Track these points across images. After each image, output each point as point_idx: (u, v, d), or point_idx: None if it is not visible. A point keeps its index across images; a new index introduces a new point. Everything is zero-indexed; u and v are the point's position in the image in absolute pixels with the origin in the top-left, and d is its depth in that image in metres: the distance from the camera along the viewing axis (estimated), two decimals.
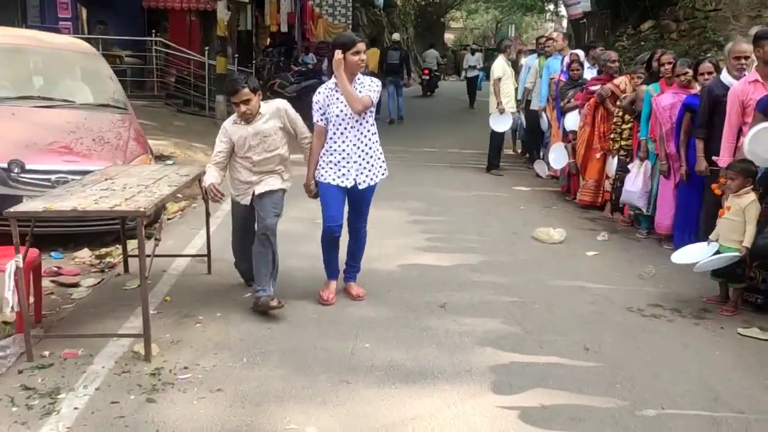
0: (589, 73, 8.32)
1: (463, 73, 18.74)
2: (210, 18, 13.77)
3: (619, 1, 15.97)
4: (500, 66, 9.58)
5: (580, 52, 8.76)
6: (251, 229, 4.41)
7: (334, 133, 4.26)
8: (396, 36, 19.54)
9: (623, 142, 6.88)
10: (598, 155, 7.21)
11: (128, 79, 11.91)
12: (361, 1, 28.16)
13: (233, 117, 4.37)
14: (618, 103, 6.91)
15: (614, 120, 6.94)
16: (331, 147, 4.28)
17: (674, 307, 4.57)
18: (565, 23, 43.87)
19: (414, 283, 4.95)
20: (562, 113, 8.18)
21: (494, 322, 4.25)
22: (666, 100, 5.90)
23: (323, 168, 4.31)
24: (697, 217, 5.61)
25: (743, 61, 5.23)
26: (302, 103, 14.19)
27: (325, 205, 4.37)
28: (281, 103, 4.44)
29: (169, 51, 13.26)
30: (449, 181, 8.93)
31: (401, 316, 4.31)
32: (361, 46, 4.17)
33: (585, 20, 15.97)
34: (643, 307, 4.56)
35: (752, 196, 4.24)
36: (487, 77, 22.49)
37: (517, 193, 8.36)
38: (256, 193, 4.31)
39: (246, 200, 4.37)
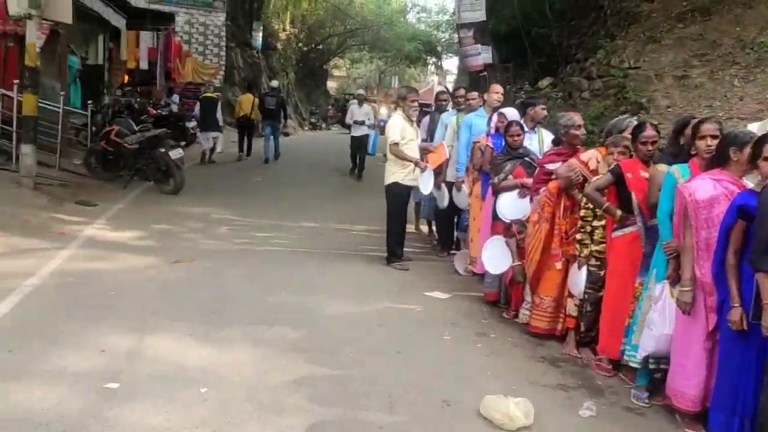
0: (528, 140, 6.16)
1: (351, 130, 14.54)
2: None
3: (526, 53, 14.43)
4: (397, 126, 6.96)
5: (512, 111, 6.57)
6: None
7: None
8: (274, 82, 19.38)
9: (594, 247, 4.68)
10: (558, 264, 4.92)
11: None
12: (236, 41, 25.65)
13: None
14: (587, 190, 4.71)
15: (582, 214, 4.74)
16: None
17: None
18: (450, 77, 43.40)
19: None
20: (494, 193, 5.92)
21: None
22: (705, 191, 3.69)
23: None
24: (753, 393, 3.41)
25: None
26: (145, 161, 11.36)
27: None
28: None
29: None
30: (337, 284, 6.29)
31: None
32: None
33: (486, 73, 14.23)
34: None
35: None
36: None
37: (433, 304, 5.87)
38: None
39: None
